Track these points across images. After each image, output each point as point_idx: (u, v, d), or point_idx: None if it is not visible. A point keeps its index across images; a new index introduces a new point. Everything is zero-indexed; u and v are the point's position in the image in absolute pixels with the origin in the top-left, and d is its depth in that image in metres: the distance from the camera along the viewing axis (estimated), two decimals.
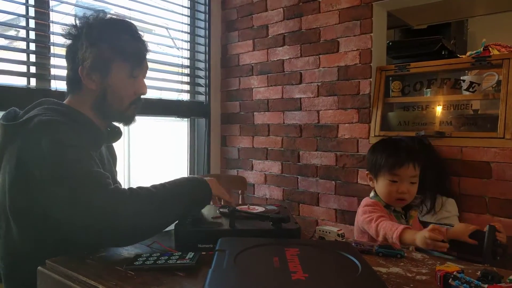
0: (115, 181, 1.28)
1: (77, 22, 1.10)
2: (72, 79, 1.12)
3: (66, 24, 1.13)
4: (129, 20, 1.17)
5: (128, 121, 1.19)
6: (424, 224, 1.48)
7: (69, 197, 0.91)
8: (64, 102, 1.13)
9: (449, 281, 0.78)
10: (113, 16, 1.17)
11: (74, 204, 0.91)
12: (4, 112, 1.07)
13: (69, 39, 1.12)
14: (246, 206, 1.19)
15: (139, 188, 0.96)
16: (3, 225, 1.03)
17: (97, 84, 1.10)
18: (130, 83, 1.13)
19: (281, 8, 2.43)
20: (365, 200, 1.47)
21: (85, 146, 1.01)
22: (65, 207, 0.92)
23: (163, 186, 1.00)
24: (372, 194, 1.47)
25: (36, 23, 1.82)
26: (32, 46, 1.83)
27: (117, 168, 1.38)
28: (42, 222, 0.98)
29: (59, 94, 1.54)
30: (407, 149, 1.41)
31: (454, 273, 0.80)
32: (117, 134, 1.24)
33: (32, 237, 1.00)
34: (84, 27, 1.09)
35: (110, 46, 1.09)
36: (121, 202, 0.91)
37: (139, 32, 1.16)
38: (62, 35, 1.12)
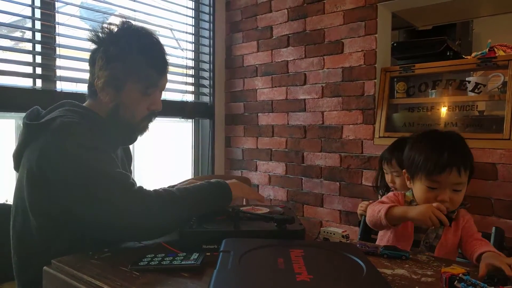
0: None
1: (102, 29, 1.11)
2: (92, 85, 1.14)
3: (92, 30, 1.13)
4: (153, 33, 1.15)
5: (139, 132, 1.21)
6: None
7: (92, 198, 0.94)
8: (84, 104, 1.16)
9: (455, 283, 0.78)
10: (138, 28, 1.14)
11: (97, 205, 0.94)
12: (28, 111, 1.10)
13: (93, 43, 1.13)
14: (251, 207, 1.19)
15: (164, 190, 1.01)
16: (20, 219, 1.04)
17: (110, 98, 1.11)
18: (144, 100, 1.14)
19: (286, 9, 2.43)
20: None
21: (105, 148, 1.04)
22: (88, 208, 0.95)
23: (186, 189, 1.04)
24: (408, 192, 1.28)
25: (42, 25, 1.84)
26: (38, 48, 1.85)
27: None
28: (61, 221, 1.00)
29: (65, 95, 1.55)
30: (451, 149, 1.13)
31: (460, 275, 0.79)
32: (133, 137, 1.25)
33: (50, 234, 1.02)
34: (104, 39, 1.10)
35: (124, 67, 1.09)
36: (144, 203, 0.96)
37: (161, 46, 1.15)
38: (88, 39, 1.12)
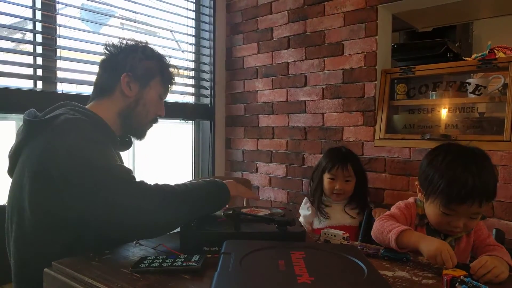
0: None
1: (126, 41, 1.21)
2: (104, 86, 1.19)
3: (115, 37, 1.27)
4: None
5: (141, 135, 1.28)
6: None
7: (93, 193, 0.93)
8: (86, 106, 1.17)
9: (456, 285, 0.78)
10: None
11: (97, 199, 0.93)
12: (26, 111, 1.10)
13: (110, 52, 1.19)
14: (251, 209, 1.19)
15: (165, 184, 1.02)
16: (15, 219, 1.04)
17: (133, 93, 1.18)
18: (158, 103, 1.25)
19: (286, 11, 2.43)
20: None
21: (107, 143, 1.06)
22: (89, 203, 0.94)
23: (185, 185, 1.05)
24: (420, 201, 1.19)
25: (42, 26, 1.84)
26: (39, 49, 1.85)
27: None
28: (59, 221, 1.00)
29: (65, 97, 1.55)
30: (475, 178, 1.02)
31: (461, 277, 0.79)
32: (128, 143, 1.29)
33: (46, 235, 1.01)
34: (136, 45, 1.22)
35: (158, 65, 1.23)
36: (145, 196, 0.96)
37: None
38: (104, 45, 1.20)
